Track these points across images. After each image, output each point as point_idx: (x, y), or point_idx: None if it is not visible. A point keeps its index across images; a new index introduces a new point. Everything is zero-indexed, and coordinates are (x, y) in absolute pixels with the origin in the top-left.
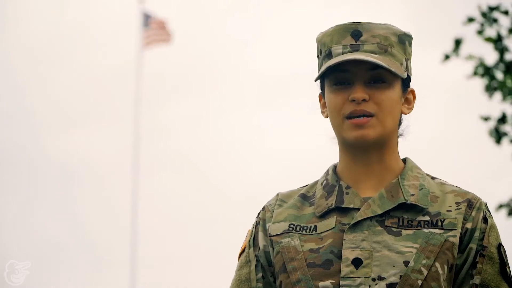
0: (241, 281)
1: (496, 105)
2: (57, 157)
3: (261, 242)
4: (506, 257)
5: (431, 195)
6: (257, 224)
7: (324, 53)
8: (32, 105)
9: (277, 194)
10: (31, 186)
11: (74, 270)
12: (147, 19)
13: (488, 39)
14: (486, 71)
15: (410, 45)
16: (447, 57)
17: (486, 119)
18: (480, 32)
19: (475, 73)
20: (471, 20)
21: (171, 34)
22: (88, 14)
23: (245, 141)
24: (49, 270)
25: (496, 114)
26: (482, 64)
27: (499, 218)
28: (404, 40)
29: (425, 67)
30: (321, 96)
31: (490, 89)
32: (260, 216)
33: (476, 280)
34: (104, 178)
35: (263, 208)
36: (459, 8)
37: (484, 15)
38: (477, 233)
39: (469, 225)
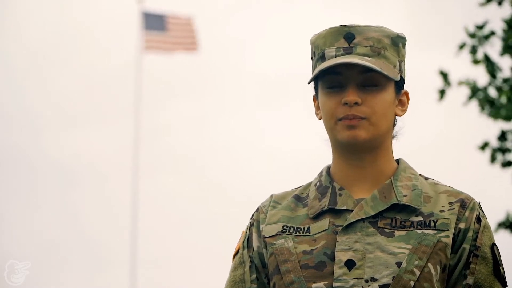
0: (235, 282)
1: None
2: (57, 157)
3: (255, 243)
4: (500, 257)
5: (424, 195)
6: (251, 225)
7: (318, 55)
8: (32, 105)
9: (271, 196)
10: (31, 186)
11: (74, 270)
12: (161, 21)
13: (476, 62)
14: (480, 93)
15: (404, 47)
16: (442, 92)
17: (483, 147)
18: (473, 53)
19: (472, 95)
20: (462, 46)
21: (197, 42)
22: (89, 14)
23: (245, 141)
24: (49, 270)
25: (494, 130)
26: (475, 87)
27: (500, 237)
28: (398, 42)
29: (424, 68)
30: (315, 98)
31: (485, 109)
32: (254, 217)
33: (470, 280)
34: (104, 178)
35: (257, 210)
36: (458, 9)
37: (473, 35)
38: (470, 233)
39: (462, 225)
